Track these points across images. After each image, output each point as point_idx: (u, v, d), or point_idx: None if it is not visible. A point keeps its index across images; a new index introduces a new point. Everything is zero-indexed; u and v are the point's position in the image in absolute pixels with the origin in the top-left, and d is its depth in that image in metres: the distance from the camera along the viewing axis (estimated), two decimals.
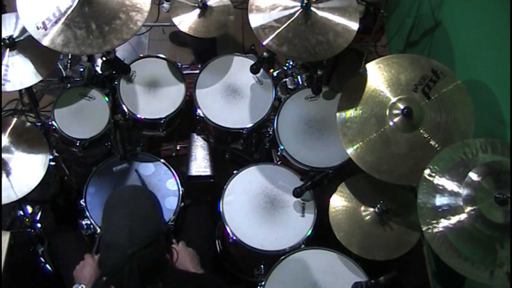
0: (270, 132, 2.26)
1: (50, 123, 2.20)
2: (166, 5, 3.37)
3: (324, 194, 2.06)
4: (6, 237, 1.96)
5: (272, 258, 1.92)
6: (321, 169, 2.08)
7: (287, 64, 2.55)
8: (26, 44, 1.96)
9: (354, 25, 1.93)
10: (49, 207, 2.51)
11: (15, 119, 2.06)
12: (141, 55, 2.40)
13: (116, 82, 2.28)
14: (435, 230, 1.53)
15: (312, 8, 1.94)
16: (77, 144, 2.19)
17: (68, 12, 1.81)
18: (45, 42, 1.78)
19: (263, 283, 1.84)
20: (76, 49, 1.78)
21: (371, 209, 1.94)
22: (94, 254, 1.84)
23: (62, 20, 1.80)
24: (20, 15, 1.82)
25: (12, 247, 1.99)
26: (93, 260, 1.79)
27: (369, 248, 1.90)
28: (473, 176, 1.51)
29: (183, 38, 3.23)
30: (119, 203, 1.46)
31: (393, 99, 1.85)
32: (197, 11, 2.30)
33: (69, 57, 2.60)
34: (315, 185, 2.01)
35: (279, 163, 2.21)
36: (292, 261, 1.89)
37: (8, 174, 1.93)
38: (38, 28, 1.78)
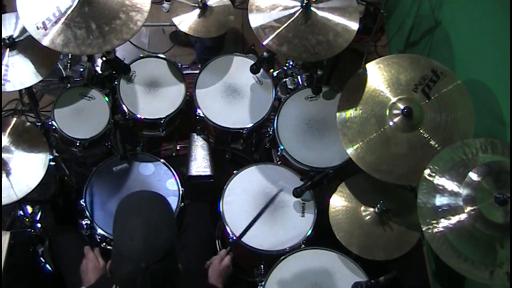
0: (270, 132, 2.26)
1: (50, 123, 2.20)
2: (166, 5, 3.38)
3: (324, 194, 2.06)
4: (6, 237, 1.96)
5: (272, 258, 1.91)
6: (321, 169, 2.08)
7: (287, 64, 2.55)
8: (26, 44, 1.95)
9: (354, 25, 1.93)
10: (49, 207, 2.52)
11: (15, 119, 2.06)
12: (141, 55, 2.40)
13: (116, 82, 2.28)
14: (435, 230, 1.53)
15: (312, 8, 1.93)
16: (77, 144, 2.19)
17: (68, 12, 1.81)
18: (45, 42, 1.77)
19: (263, 283, 1.84)
20: (76, 49, 1.78)
21: (371, 209, 1.94)
22: (95, 247, 1.88)
23: (62, 20, 1.80)
24: (20, 15, 1.81)
25: (12, 247, 1.99)
26: (94, 254, 1.85)
27: (369, 248, 1.90)
28: (473, 176, 1.51)
29: (184, 38, 3.22)
30: (134, 208, 1.36)
31: (393, 99, 1.85)
32: (197, 11, 2.30)
33: (69, 57, 2.59)
34: (315, 185, 2.00)
35: (279, 163, 2.20)
36: (292, 261, 1.89)
37: (8, 174, 1.93)
38: (38, 28, 1.78)
